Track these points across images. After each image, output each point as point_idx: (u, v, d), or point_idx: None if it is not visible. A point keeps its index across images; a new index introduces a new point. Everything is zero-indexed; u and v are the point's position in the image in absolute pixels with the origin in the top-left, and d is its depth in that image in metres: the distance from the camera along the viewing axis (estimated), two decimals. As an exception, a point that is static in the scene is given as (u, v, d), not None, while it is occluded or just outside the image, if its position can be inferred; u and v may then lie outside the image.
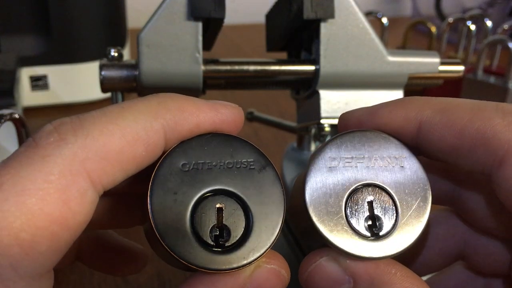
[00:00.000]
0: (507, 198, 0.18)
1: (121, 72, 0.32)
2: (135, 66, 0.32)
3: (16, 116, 0.42)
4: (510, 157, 0.17)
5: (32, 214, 0.15)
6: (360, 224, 0.19)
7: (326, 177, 0.20)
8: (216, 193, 0.19)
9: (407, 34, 0.78)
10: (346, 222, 0.19)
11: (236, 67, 0.33)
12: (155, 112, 0.18)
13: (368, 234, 0.19)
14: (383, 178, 0.20)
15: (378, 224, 0.19)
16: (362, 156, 0.20)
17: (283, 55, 0.40)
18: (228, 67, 0.33)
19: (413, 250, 0.20)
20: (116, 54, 0.33)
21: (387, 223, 0.19)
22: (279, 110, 0.69)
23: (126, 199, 0.23)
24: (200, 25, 0.31)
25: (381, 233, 0.19)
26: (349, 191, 0.20)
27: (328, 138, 0.33)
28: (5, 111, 0.42)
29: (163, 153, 0.19)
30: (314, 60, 0.33)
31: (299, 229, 0.22)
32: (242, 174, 0.19)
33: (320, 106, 0.33)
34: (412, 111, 0.20)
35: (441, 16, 1.09)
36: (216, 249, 0.18)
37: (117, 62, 0.33)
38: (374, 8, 0.85)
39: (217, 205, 0.18)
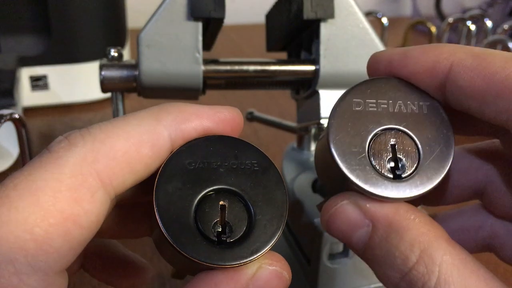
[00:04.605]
0: None
1: (121, 72, 0.32)
2: (135, 66, 0.32)
3: (16, 116, 0.42)
4: None
5: (45, 211, 0.16)
6: (383, 165, 0.19)
7: (350, 119, 0.20)
8: (220, 191, 0.19)
9: (407, 34, 0.78)
10: (368, 162, 0.19)
11: (236, 67, 0.33)
12: (157, 116, 0.19)
13: (391, 175, 0.19)
14: (406, 122, 0.20)
15: (401, 166, 0.19)
16: (386, 101, 0.20)
17: (283, 55, 0.40)
18: (228, 67, 0.33)
19: (437, 190, 0.20)
20: (116, 54, 0.33)
21: (409, 166, 0.19)
22: (279, 110, 0.69)
23: (136, 209, 0.24)
24: (200, 25, 0.31)
25: (403, 175, 0.19)
26: (373, 133, 0.20)
27: None
28: (5, 111, 0.42)
29: (170, 153, 0.19)
30: (314, 60, 0.33)
31: (326, 179, 0.22)
32: (245, 174, 0.19)
33: (320, 106, 0.33)
34: (445, 53, 0.19)
35: (441, 16, 1.09)
36: (218, 245, 0.18)
37: (117, 62, 0.33)
38: (374, 8, 0.85)
39: (221, 203, 0.19)
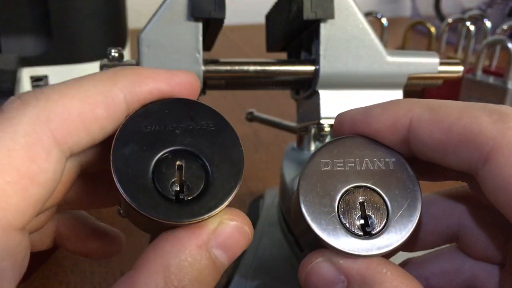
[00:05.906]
0: (493, 194, 0.18)
1: (122, 72, 0.32)
2: (135, 66, 0.32)
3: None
4: (495, 153, 0.17)
5: (0, 169, 0.16)
6: (353, 223, 0.20)
7: (319, 180, 0.20)
8: (177, 152, 0.19)
9: (406, 34, 0.78)
10: (339, 222, 0.20)
11: (236, 67, 0.33)
12: (112, 79, 0.19)
13: (361, 233, 0.20)
14: (373, 180, 0.21)
15: (370, 223, 0.20)
16: (353, 160, 0.21)
17: (283, 55, 0.40)
18: (228, 67, 0.33)
19: (410, 242, 0.20)
20: (116, 55, 0.33)
21: (378, 222, 0.20)
22: (279, 110, 0.69)
23: (103, 178, 0.24)
24: (200, 25, 0.31)
25: (373, 232, 0.20)
26: (342, 192, 0.20)
27: (328, 138, 0.33)
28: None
29: (126, 117, 0.20)
30: (314, 60, 0.33)
31: (299, 234, 0.22)
32: (201, 134, 0.20)
33: (320, 106, 0.33)
34: (403, 109, 0.20)
35: (440, 16, 1.09)
36: (176, 203, 0.18)
37: (118, 63, 0.33)
38: (374, 8, 0.85)
39: (178, 163, 0.19)
